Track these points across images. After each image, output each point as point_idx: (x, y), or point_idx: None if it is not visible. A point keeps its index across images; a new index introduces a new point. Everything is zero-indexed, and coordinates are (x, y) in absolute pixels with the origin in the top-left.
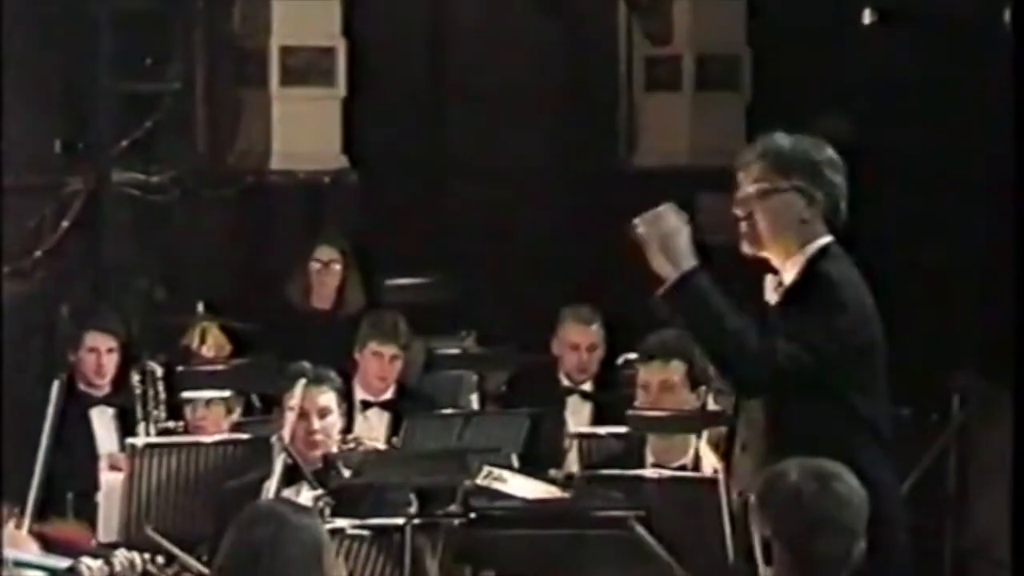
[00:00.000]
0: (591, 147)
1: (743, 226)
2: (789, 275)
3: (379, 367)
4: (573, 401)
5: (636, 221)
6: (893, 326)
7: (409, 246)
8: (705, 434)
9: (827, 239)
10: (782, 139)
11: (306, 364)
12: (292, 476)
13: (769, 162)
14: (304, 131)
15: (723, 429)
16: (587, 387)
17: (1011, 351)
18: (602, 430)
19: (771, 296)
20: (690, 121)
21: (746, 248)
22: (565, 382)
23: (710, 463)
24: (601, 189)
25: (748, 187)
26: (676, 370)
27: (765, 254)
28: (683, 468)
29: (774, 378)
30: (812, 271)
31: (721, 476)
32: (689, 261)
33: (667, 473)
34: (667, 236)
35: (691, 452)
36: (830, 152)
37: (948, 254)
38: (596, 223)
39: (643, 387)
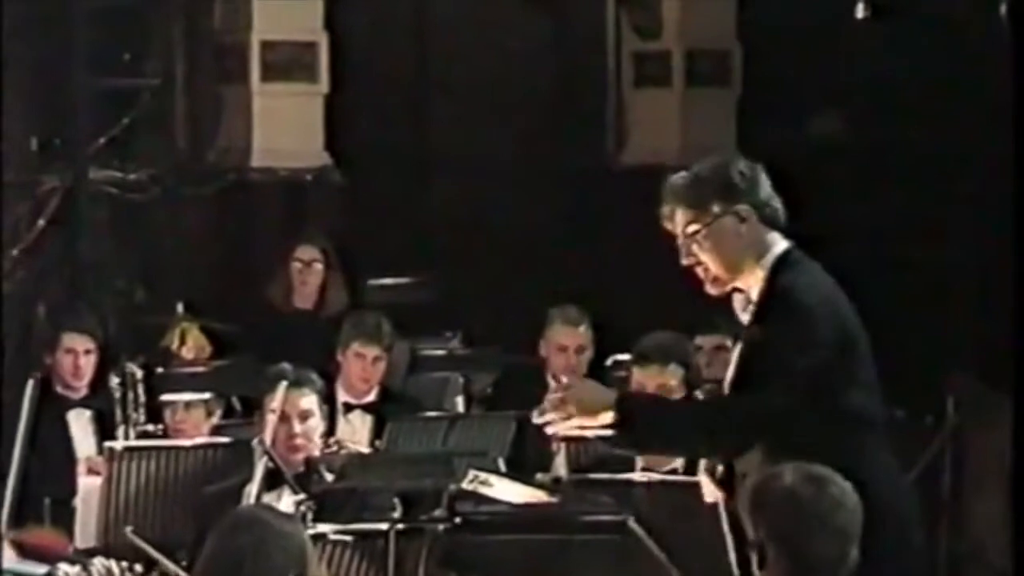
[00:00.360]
0: (579, 144)
1: (699, 272)
2: (754, 291)
3: (362, 368)
4: None
5: (547, 415)
6: (887, 326)
7: (393, 245)
8: (702, 463)
9: (782, 246)
10: (679, 178)
11: (287, 366)
12: (273, 480)
13: (683, 204)
14: (286, 128)
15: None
16: None
17: (1011, 354)
18: (590, 433)
19: (742, 315)
20: (680, 118)
21: (712, 290)
22: (553, 384)
23: (710, 492)
24: (589, 187)
25: (679, 237)
26: (674, 374)
27: (731, 287)
28: (673, 472)
29: (767, 433)
30: (774, 284)
31: (721, 504)
32: (610, 395)
33: (657, 477)
34: (582, 401)
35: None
36: (737, 164)
37: (944, 253)
38: (584, 222)
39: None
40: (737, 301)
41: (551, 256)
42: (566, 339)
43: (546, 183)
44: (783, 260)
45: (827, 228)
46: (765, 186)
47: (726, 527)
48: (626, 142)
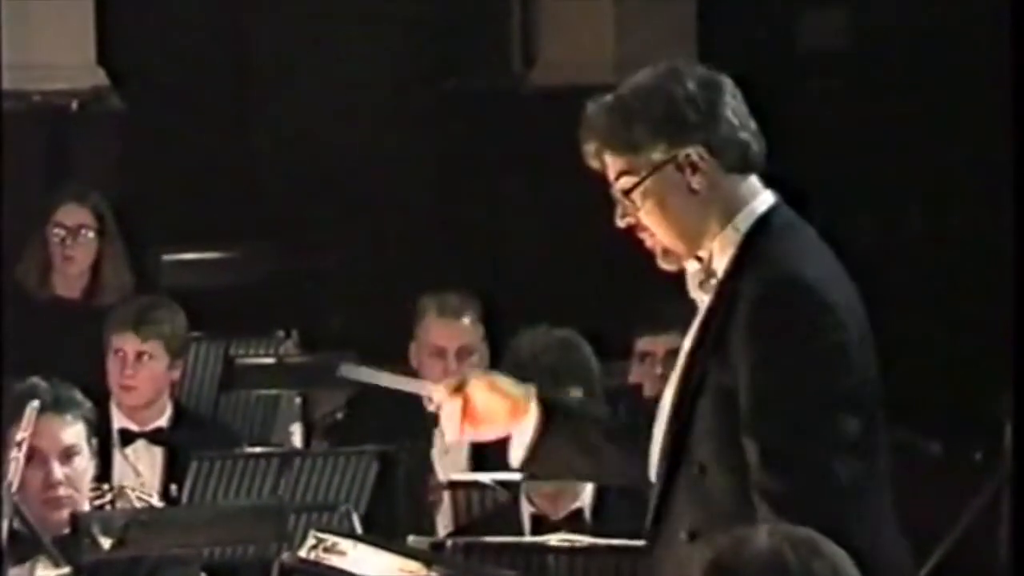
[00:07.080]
0: (472, 61)
1: (645, 238)
2: (719, 261)
3: (119, 370)
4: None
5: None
6: (915, 329)
7: (198, 205)
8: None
9: (765, 202)
10: (598, 105)
11: (40, 381)
12: (25, 547)
13: (608, 146)
14: (44, 34)
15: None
16: None
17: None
18: (486, 477)
19: (697, 294)
20: (612, 20)
21: (664, 264)
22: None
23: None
24: (487, 119)
25: (613, 188)
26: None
27: (687, 263)
28: (578, 513)
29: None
30: (754, 258)
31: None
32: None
33: (584, 540)
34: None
35: (588, 491)
36: (683, 81)
37: (988, 216)
38: (479, 167)
39: None
40: (691, 276)
41: (430, 220)
42: (443, 338)
43: (424, 116)
44: (764, 223)
45: (820, 176)
46: (730, 110)
47: None
48: (538, 56)
